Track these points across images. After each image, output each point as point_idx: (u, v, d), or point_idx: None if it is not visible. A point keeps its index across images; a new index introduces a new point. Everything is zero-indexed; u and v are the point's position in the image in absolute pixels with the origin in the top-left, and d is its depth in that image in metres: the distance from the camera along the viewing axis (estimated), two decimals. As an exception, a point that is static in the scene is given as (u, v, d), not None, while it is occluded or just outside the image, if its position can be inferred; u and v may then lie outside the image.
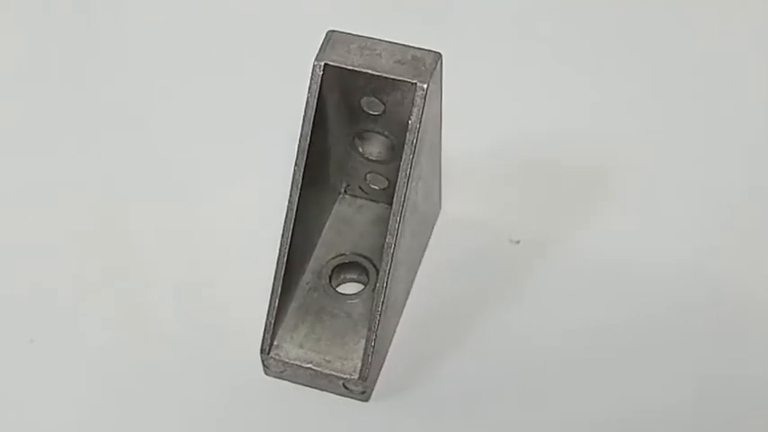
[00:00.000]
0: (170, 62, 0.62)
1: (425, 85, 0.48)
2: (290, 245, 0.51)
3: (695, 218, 0.56)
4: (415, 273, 0.55)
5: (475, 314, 0.54)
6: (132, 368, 0.53)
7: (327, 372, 0.51)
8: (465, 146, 0.58)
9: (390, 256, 0.50)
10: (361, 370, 0.50)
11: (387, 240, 0.50)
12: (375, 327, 0.50)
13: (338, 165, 0.54)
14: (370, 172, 0.54)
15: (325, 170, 0.54)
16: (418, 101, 0.49)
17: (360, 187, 0.55)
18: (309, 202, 0.52)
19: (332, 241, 0.55)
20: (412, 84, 0.48)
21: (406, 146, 0.49)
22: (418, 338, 0.53)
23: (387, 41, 0.50)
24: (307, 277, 0.53)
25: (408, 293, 0.54)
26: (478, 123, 0.59)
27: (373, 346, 0.50)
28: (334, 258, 0.54)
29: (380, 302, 0.50)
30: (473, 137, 0.59)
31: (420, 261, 0.55)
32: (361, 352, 0.51)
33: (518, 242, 0.56)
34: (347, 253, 0.54)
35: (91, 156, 0.59)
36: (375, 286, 0.51)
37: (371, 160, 0.53)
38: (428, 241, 0.56)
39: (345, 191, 0.56)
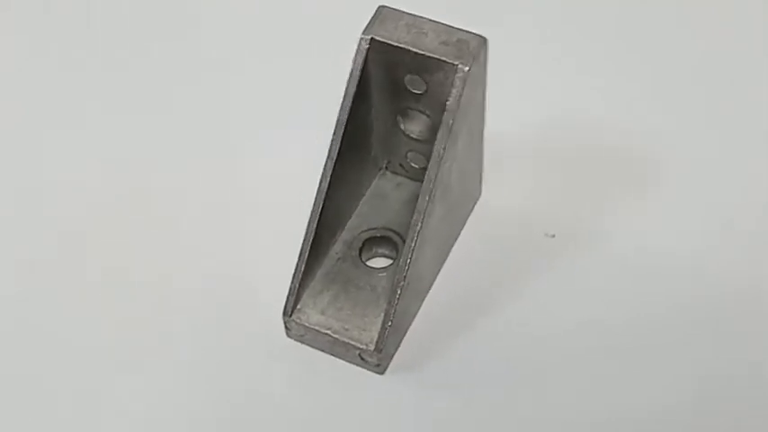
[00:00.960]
0: (177, 56, 0.63)
1: (467, 68, 0.49)
2: (321, 213, 0.52)
3: (728, 215, 0.57)
4: (446, 255, 0.55)
5: (500, 303, 0.54)
6: (165, 318, 0.54)
7: (345, 340, 0.52)
8: (512, 135, 0.58)
9: (416, 233, 0.50)
10: (377, 342, 0.51)
11: (414, 218, 0.50)
12: (395, 301, 0.51)
13: (381, 140, 0.55)
14: (410, 150, 0.55)
15: (366, 144, 0.54)
16: (458, 82, 0.49)
17: (400, 164, 0.56)
18: (346, 173, 0.53)
19: (367, 214, 0.55)
20: (453, 65, 0.49)
21: (441, 126, 0.50)
22: (442, 320, 0.54)
23: (435, 21, 0.50)
24: (338, 247, 0.54)
25: (436, 274, 0.55)
26: (528, 112, 0.59)
27: (391, 320, 0.51)
28: (366, 231, 0.55)
29: (402, 278, 0.51)
30: (521, 125, 0.59)
31: (452, 244, 0.56)
32: (380, 325, 0.51)
33: (553, 236, 0.56)
34: (379, 227, 0.55)
35: (96, 150, 0.59)
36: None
37: (412, 138, 0.54)
38: (463, 225, 0.56)
39: (386, 167, 0.56)
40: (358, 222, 0.55)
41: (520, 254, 0.56)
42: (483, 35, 0.50)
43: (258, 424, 0.52)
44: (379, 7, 0.51)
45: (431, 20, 0.50)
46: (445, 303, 0.54)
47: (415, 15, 0.50)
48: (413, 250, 0.51)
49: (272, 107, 0.60)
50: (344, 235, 0.55)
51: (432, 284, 0.54)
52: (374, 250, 0.55)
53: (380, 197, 0.56)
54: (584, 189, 0.58)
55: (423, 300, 0.54)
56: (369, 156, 0.55)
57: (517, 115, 0.59)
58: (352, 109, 0.51)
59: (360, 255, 0.54)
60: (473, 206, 0.57)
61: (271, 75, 0.62)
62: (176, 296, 0.55)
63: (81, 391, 0.52)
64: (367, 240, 0.55)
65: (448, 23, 0.50)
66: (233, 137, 0.59)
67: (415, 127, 0.54)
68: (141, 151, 0.59)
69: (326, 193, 0.52)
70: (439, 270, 0.55)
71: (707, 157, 0.59)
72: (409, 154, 0.55)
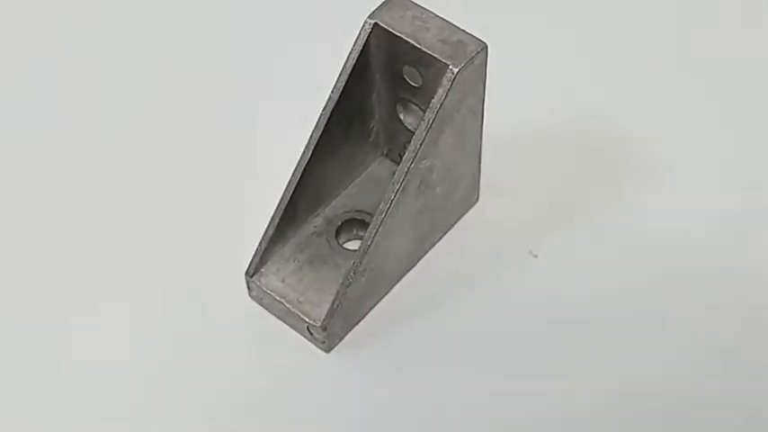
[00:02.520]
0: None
1: (456, 69, 0.49)
2: (300, 183, 0.52)
3: (742, 223, 0.57)
4: (423, 251, 0.55)
5: (465, 305, 0.54)
6: (143, 261, 0.56)
7: (296, 312, 0.52)
8: (517, 144, 0.58)
9: (379, 222, 0.51)
10: (323, 319, 0.52)
11: (380, 207, 0.51)
12: (347, 282, 0.51)
13: (383, 127, 0.55)
14: (408, 141, 0.55)
15: (364, 127, 0.55)
16: (445, 82, 0.49)
17: (399, 154, 0.56)
18: (337, 151, 0.53)
19: (356, 196, 0.56)
20: (445, 64, 0.49)
21: (421, 122, 0.50)
22: (404, 312, 0.54)
23: (441, 18, 0.50)
24: (318, 221, 0.55)
25: (407, 268, 0.55)
26: (537, 123, 0.59)
27: (340, 302, 0.51)
28: (349, 212, 0.55)
29: (358, 263, 0.51)
30: (529, 136, 0.59)
31: (433, 242, 0.55)
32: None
33: (536, 256, 0.56)
34: (363, 210, 0.55)
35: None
36: (363, 247, 0.52)
37: (409, 130, 0.54)
38: (449, 227, 0.56)
39: (387, 154, 0.57)
40: (345, 202, 0.56)
41: (499, 267, 0.55)
42: (485, 40, 0.50)
43: (200, 373, 0.53)
44: (392, -6, 0.51)
45: (438, 16, 0.50)
46: (413, 297, 0.55)
47: (424, 8, 0.50)
48: (373, 237, 0.51)
49: (284, 89, 0.61)
50: (328, 211, 0.55)
51: (400, 277, 0.55)
52: (354, 232, 0.55)
53: (375, 182, 0.56)
54: (579, 215, 0.57)
55: (387, 289, 0.54)
56: (367, 139, 0.55)
57: (524, 125, 0.59)
58: (346, 88, 0.51)
59: (336, 233, 0.55)
60: (466, 210, 0.57)
61: (285, 57, 0.62)
62: (162, 243, 0.56)
63: (40, 335, 0.54)
64: (348, 221, 0.55)
65: (454, 21, 0.50)
66: (245, 109, 0.60)
67: (412, 119, 0.54)
68: (140, 113, 0.61)
69: (308, 164, 0.52)
70: (411, 264, 0.55)
71: (718, 163, 0.58)
72: (406, 144, 0.55)
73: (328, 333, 0.52)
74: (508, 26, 0.62)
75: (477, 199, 0.57)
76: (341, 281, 0.52)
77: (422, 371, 0.53)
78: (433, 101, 0.49)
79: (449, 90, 0.49)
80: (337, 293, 0.51)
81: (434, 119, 0.49)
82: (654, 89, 0.61)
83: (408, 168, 0.50)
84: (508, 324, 0.54)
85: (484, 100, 0.52)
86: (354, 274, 0.51)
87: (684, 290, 0.55)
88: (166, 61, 0.62)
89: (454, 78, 0.49)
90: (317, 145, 0.52)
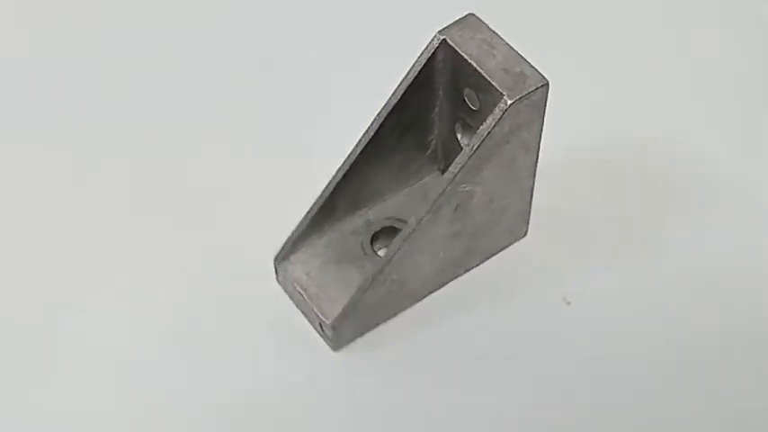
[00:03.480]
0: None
1: (510, 101, 0.48)
2: (344, 181, 0.52)
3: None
4: (454, 273, 0.54)
5: (482, 338, 0.54)
6: (179, 241, 0.57)
7: (311, 305, 0.52)
8: (575, 186, 0.57)
9: (407, 235, 0.50)
10: (335, 319, 0.52)
11: (410, 221, 0.50)
12: (364, 287, 0.51)
13: (442, 142, 0.55)
14: (461, 161, 0.54)
15: (422, 138, 0.54)
16: (497, 111, 0.48)
17: (453, 172, 0.56)
18: (390, 156, 0.53)
19: (403, 204, 0.55)
20: (501, 94, 0.48)
21: (466, 146, 0.49)
22: (422, 329, 0.54)
23: (510, 47, 0.49)
24: (358, 221, 0.55)
25: (433, 286, 0.54)
26: (608, 170, 0.58)
27: (355, 304, 0.51)
28: (390, 219, 0.55)
29: (379, 271, 0.51)
30: (594, 180, 0.58)
31: (467, 266, 0.55)
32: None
33: (569, 303, 0.55)
34: (402, 220, 0.55)
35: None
36: (391, 256, 0.51)
37: (464, 151, 0.54)
38: (489, 255, 0.55)
39: (443, 170, 0.56)
40: (390, 208, 0.55)
41: (530, 309, 0.55)
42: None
43: (213, 347, 0.54)
44: (468, 14, 0.50)
45: (507, 44, 0.49)
46: (433, 313, 0.54)
47: (495, 33, 0.50)
48: (397, 249, 0.50)
49: (351, 87, 0.61)
50: (371, 214, 0.55)
51: (425, 294, 0.54)
52: (391, 240, 0.55)
53: (424, 194, 0.56)
54: (622, 270, 0.55)
55: (408, 304, 0.54)
56: (425, 151, 0.55)
57: (586, 160, 0.58)
58: (405, 96, 0.51)
59: (373, 238, 0.54)
60: (510, 243, 0.56)
61: (354, 58, 0.62)
62: (208, 220, 0.57)
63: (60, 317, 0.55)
64: (387, 228, 0.55)
65: (527, 54, 0.49)
66: (307, 100, 0.61)
67: (468, 140, 0.53)
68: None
69: (353, 165, 0.52)
70: (439, 285, 0.54)
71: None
72: (459, 164, 0.55)
73: (337, 333, 0.52)
74: (577, 62, 0.60)
75: (526, 233, 0.56)
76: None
77: (424, 388, 0.52)
78: (481, 127, 0.49)
79: (499, 120, 0.48)
80: (353, 297, 0.51)
81: (479, 146, 0.49)
82: (712, 125, 0.59)
83: (445, 189, 0.49)
84: (522, 361, 0.53)
85: (540, 138, 0.51)
86: (373, 281, 0.51)
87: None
88: (228, 57, 0.63)
89: (506, 109, 0.48)
90: (365, 147, 0.52)
